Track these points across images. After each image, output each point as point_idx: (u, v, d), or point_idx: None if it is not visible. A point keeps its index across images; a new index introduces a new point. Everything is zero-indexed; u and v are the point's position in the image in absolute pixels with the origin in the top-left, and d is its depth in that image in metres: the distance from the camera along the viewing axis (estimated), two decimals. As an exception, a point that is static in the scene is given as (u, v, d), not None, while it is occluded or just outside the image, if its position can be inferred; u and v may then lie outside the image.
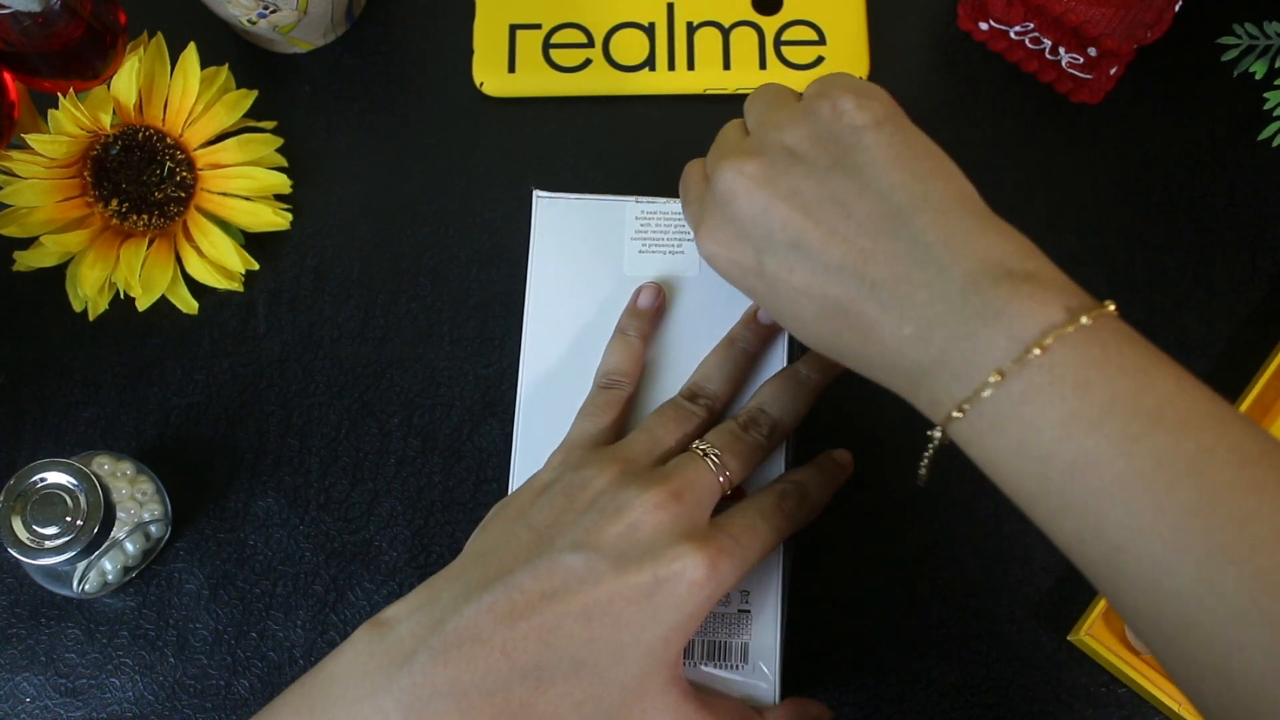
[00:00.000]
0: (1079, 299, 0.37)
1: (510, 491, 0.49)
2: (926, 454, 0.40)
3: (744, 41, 0.60)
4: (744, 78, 0.60)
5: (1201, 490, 0.34)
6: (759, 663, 0.47)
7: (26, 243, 0.56)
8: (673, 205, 0.51)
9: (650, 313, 0.50)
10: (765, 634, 0.47)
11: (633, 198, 0.52)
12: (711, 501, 0.45)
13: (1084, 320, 0.36)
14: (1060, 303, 0.37)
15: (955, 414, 0.38)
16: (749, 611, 0.47)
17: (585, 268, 0.51)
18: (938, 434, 0.39)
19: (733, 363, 0.49)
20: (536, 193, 0.52)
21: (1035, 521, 0.38)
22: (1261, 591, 0.33)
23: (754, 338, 0.49)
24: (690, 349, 0.50)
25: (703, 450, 0.45)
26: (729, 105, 0.60)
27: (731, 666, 0.47)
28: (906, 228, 0.39)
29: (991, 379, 0.36)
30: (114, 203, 0.56)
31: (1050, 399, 0.36)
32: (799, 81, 0.59)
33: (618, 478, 0.44)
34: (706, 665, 0.47)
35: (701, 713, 0.43)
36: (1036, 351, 0.36)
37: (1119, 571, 0.35)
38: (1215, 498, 0.34)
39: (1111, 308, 0.37)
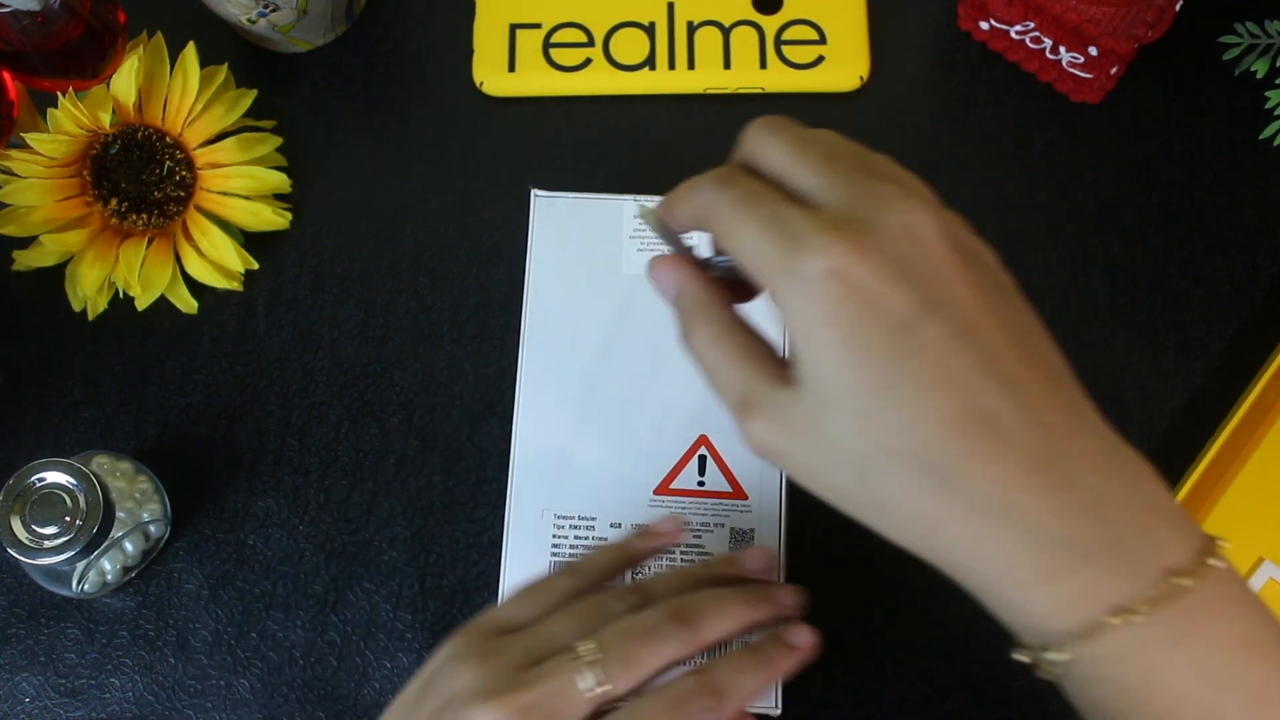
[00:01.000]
0: (1204, 541, 0.34)
1: (509, 491, 0.49)
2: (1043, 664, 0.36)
3: (744, 41, 0.60)
4: (744, 77, 0.60)
5: None
6: None
7: (26, 242, 0.56)
8: None
9: (666, 544, 0.46)
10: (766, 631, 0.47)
11: (631, 196, 0.52)
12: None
13: (1211, 561, 0.34)
14: (1188, 550, 0.34)
15: (1113, 619, 0.33)
16: None
17: (584, 266, 0.51)
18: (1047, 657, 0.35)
19: (690, 576, 0.43)
20: (535, 191, 0.52)
21: None
22: None
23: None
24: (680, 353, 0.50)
25: (584, 654, 0.39)
26: (729, 105, 0.60)
27: None
28: (1059, 452, 0.34)
29: (1184, 583, 0.33)
30: (113, 202, 0.56)
31: (1168, 657, 0.33)
32: (800, 81, 0.60)
33: (476, 684, 0.39)
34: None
35: None
36: (1219, 564, 0.33)
37: None
38: None
39: (1223, 547, 0.35)
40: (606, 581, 0.44)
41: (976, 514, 0.33)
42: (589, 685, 0.38)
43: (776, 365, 0.35)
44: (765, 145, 0.36)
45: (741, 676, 0.40)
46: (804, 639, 0.42)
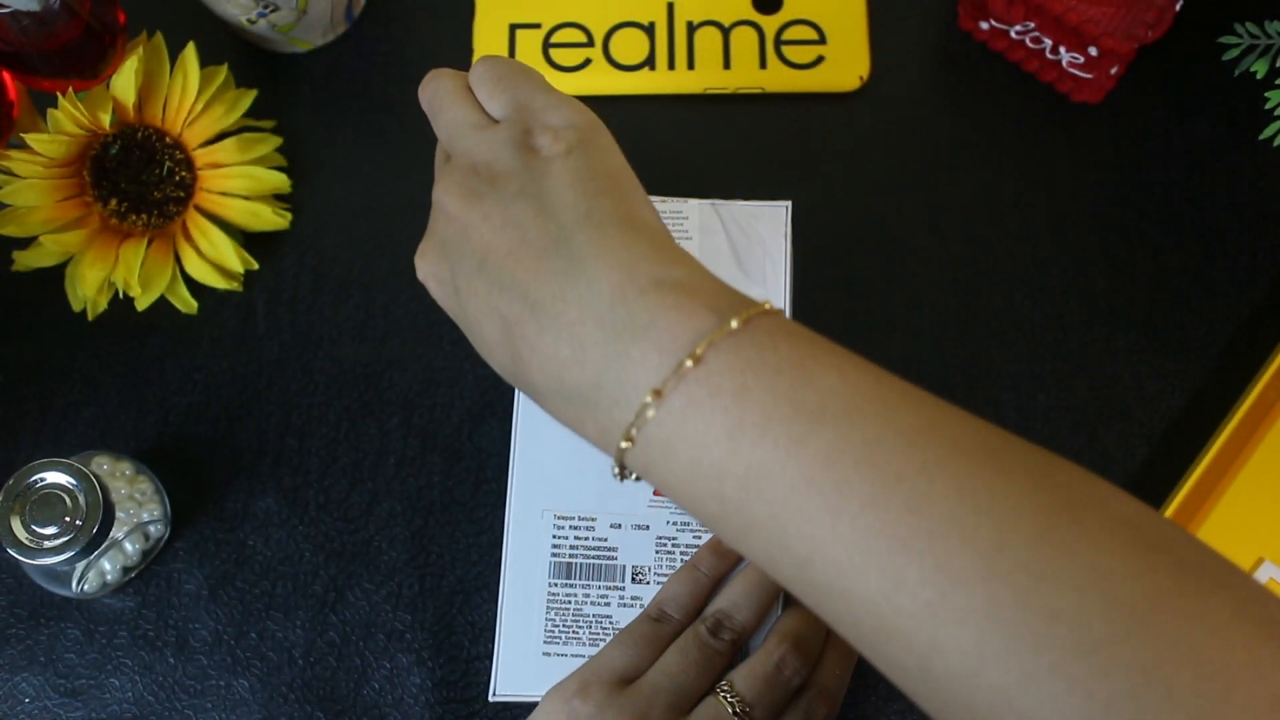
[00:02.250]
0: (729, 301, 0.36)
1: (509, 491, 0.49)
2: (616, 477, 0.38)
3: (744, 41, 0.60)
4: (744, 77, 0.60)
5: (873, 483, 0.32)
6: None
7: (26, 242, 0.56)
8: (668, 204, 0.51)
9: (733, 557, 0.48)
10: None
11: None
12: None
13: (734, 323, 0.34)
14: (708, 307, 0.35)
15: (624, 443, 0.36)
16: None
17: None
18: (615, 470, 0.37)
19: (762, 589, 0.47)
20: None
21: (728, 543, 0.36)
22: (946, 582, 0.31)
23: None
24: None
25: (728, 699, 0.44)
26: (729, 105, 0.60)
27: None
28: (567, 245, 0.37)
29: (649, 399, 0.34)
30: (113, 202, 0.56)
31: (712, 412, 0.34)
32: (800, 81, 0.60)
33: None
34: None
35: None
36: (689, 363, 0.34)
37: (813, 584, 0.33)
38: (888, 489, 0.32)
39: (767, 306, 0.36)
40: (693, 615, 0.47)
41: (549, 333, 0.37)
42: None
43: None
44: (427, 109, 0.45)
45: (841, 675, 0.46)
46: None
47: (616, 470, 0.37)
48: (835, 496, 0.32)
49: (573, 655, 0.48)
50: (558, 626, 0.48)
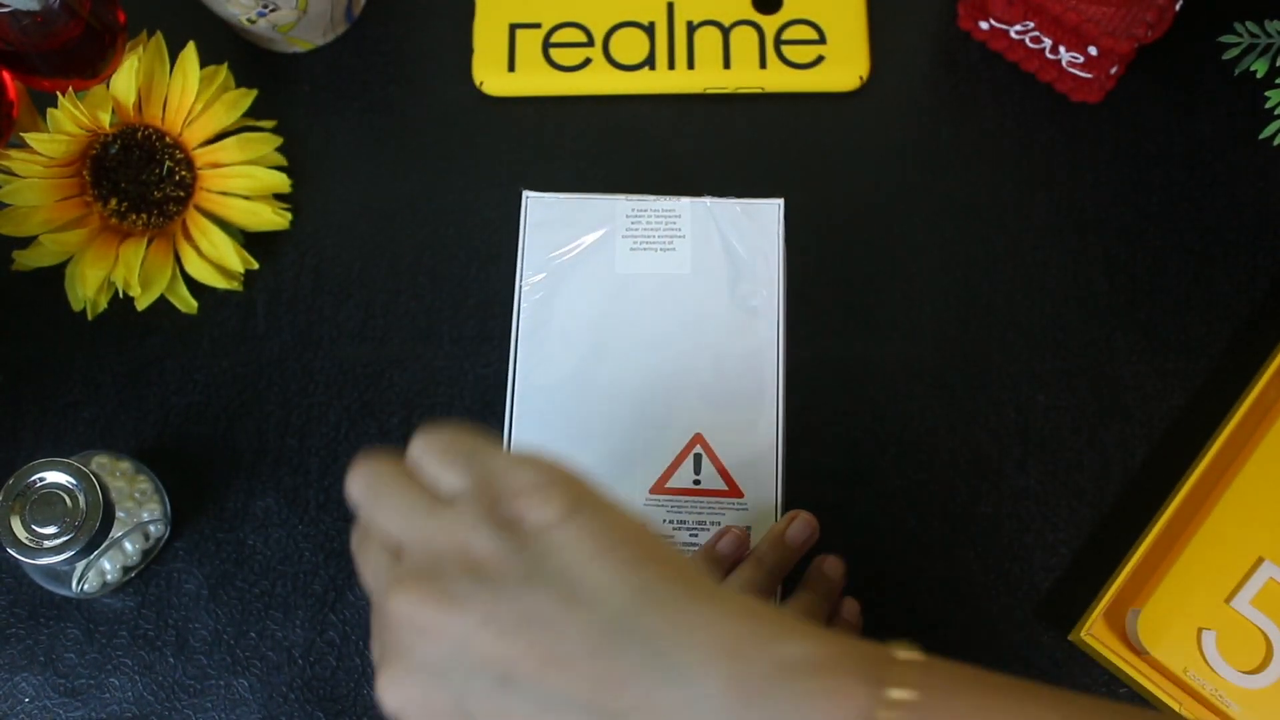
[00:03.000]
0: (873, 665, 0.31)
1: None
2: None
3: (744, 41, 0.60)
4: (744, 77, 0.60)
5: None
6: None
7: (26, 242, 0.56)
8: (663, 202, 0.51)
9: (794, 549, 0.50)
10: None
11: (623, 195, 0.52)
12: None
13: (895, 693, 0.31)
14: (857, 678, 0.31)
15: None
16: None
17: (576, 266, 0.51)
18: None
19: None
20: (526, 192, 0.52)
21: None
22: None
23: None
24: (679, 346, 0.50)
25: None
26: (729, 105, 0.60)
27: None
28: (630, 637, 0.31)
29: None
30: (113, 202, 0.56)
31: None
32: (800, 81, 0.60)
33: None
34: None
35: None
36: None
37: None
38: None
39: (903, 655, 0.32)
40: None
41: None
42: None
43: None
44: (360, 503, 0.36)
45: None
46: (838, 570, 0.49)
47: None
48: None
49: None
50: None
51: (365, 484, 0.36)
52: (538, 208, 0.51)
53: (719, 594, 0.32)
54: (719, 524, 0.48)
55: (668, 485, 0.49)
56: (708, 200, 0.51)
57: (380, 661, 0.34)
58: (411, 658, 0.33)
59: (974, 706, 0.31)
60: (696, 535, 0.48)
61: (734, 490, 0.48)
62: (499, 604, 0.32)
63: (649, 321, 0.50)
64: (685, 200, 0.51)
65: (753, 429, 0.49)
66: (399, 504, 0.35)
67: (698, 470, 0.49)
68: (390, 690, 0.33)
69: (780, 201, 0.51)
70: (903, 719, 0.30)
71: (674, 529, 0.49)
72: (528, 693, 0.31)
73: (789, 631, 0.32)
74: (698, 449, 0.49)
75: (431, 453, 0.36)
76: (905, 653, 0.32)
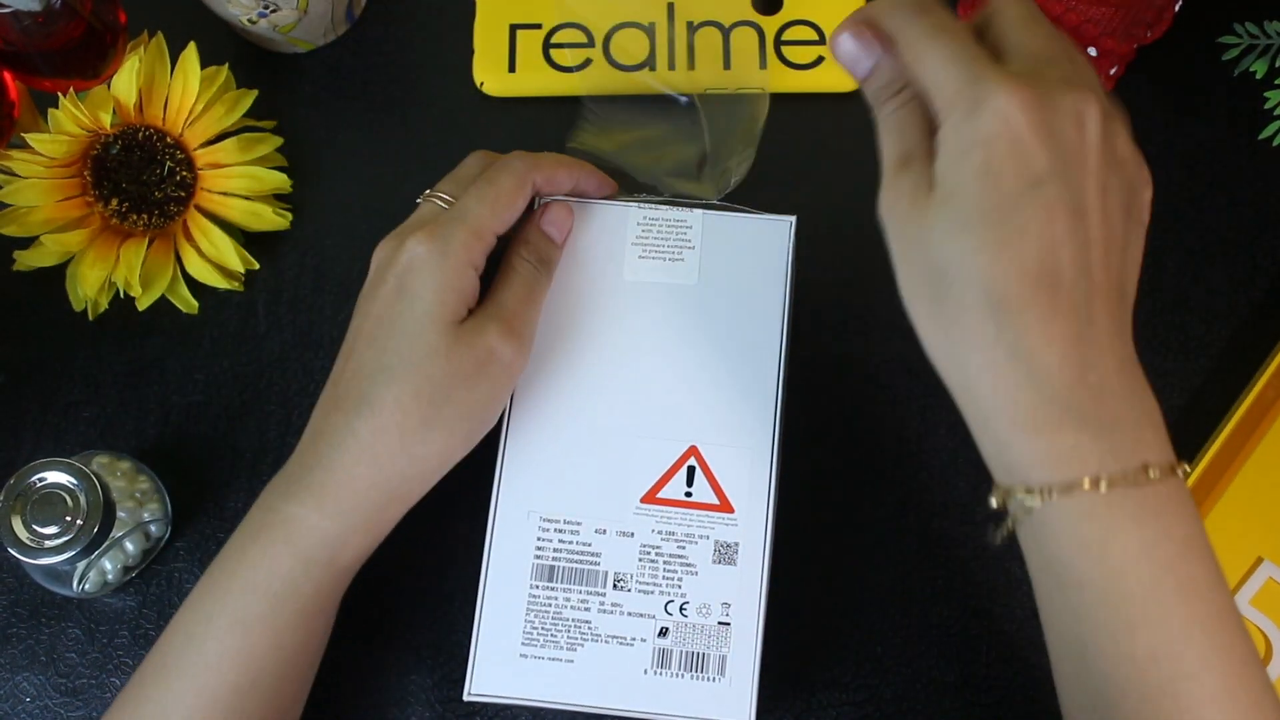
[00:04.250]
0: (1160, 445, 0.39)
1: (495, 491, 0.49)
2: (1006, 523, 0.41)
3: (744, 41, 0.60)
4: (744, 78, 0.60)
5: (1216, 647, 0.38)
6: (737, 674, 0.47)
7: (26, 242, 0.56)
8: (675, 212, 0.51)
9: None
10: (744, 646, 0.47)
11: (635, 203, 0.52)
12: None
13: (1181, 471, 0.39)
14: (1159, 440, 0.39)
15: (1024, 495, 0.39)
16: (729, 624, 0.48)
17: (584, 271, 0.51)
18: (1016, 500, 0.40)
19: None
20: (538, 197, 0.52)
21: (1044, 610, 0.42)
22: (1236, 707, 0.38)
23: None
24: (680, 357, 0.50)
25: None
26: (728, 105, 0.60)
27: (709, 679, 0.47)
28: (1127, 296, 0.40)
29: (1086, 484, 0.38)
30: (114, 202, 0.56)
31: (1127, 527, 0.38)
32: (800, 82, 0.60)
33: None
34: (685, 676, 0.47)
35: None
36: (1142, 478, 0.38)
37: (1142, 681, 0.38)
38: (1230, 642, 0.38)
39: (1181, 468, 0.39)
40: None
41: (1006, 352, 0.37)
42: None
43: (930, 148, 0.40)
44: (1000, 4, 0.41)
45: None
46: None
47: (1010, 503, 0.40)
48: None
49: (550, 659, 0.48)
50: (536, 629, 0.48)
51: (1061, 43, 0.40)
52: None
53: (1130, 354, 0.40)
54: (708, 538, 0.49)
55: (659, 495, 0.49)
56: (719, 213, 0.51)
57: (1017, 80, 0.37)
58: (1056, 110, 0.38)
59: (1194, 517, 0.39)
60: (684, 548, 0.48)
61: (725, 505, 0.49)
62: (1117, 182, 0.39)
63: (652, 330, 0.50)
64: (697, 212, 0.51)
65: (748, 444, 0.49)
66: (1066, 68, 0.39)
67: (690, 482, 0.49)
68: (1019, 106, 0.37)
69: (792, 219, 0.51)
70: (1172, 487, 0.38)
71: (661, 539, 0.49)
72: (1080, 237, 0.38)
73: (1152, 402, 0.40)
74: (692, 461, 0.49)
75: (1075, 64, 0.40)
76: (1188, 471, 0.40)
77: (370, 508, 0.46)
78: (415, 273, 0.46)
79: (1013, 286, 0.37)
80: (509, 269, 0.48)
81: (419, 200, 0.50)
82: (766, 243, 0.51)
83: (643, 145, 0.58)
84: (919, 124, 0.40)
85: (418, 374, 0.45)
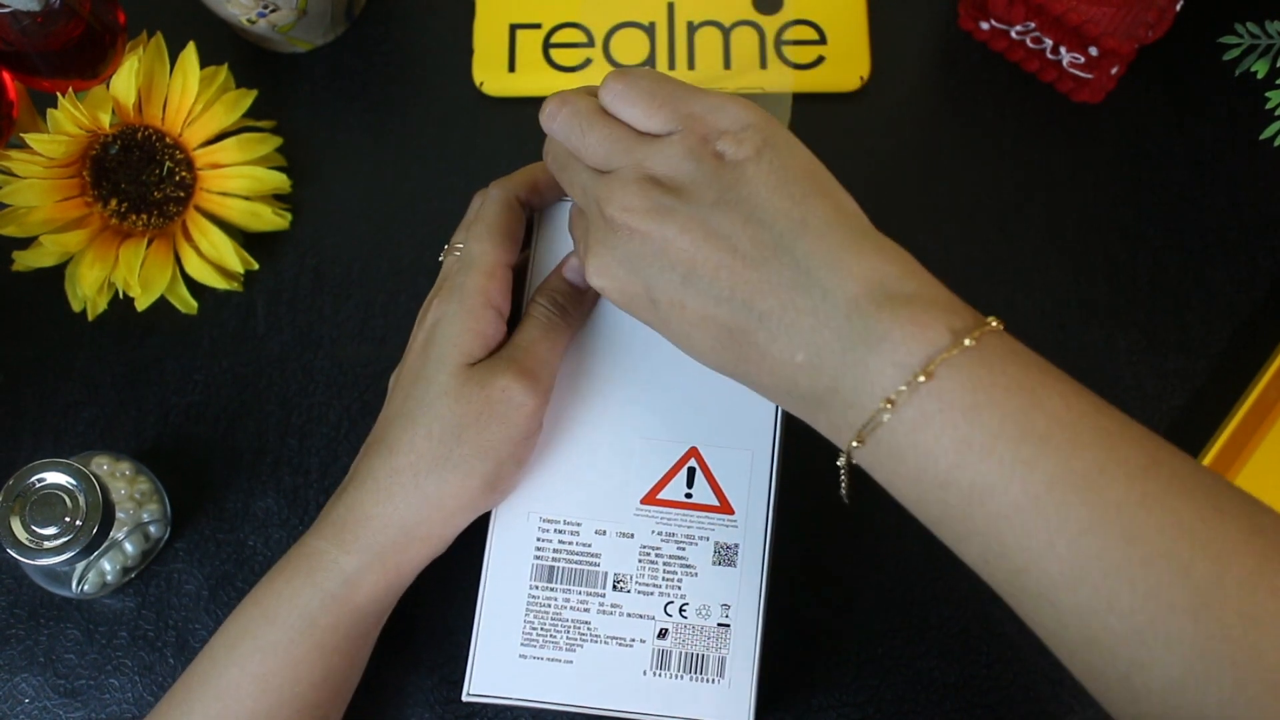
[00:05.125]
0: (963, 318, 0.38)
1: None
2: (841, 479, 0.41)
3: (744, 41, 0.60)
4: (744, 78, 0.60)
5: (1093, 509, 0.35)
6: (736, 676, 0.47)
7: (26, 242, 0.56)
8: None
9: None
10: (743, 648, 0.47)
11: None
12: None
13: (967, 341, 0.37)
14: (944, 324, 0.37)
15: (855, 443, 0.38)
16: (728, 625, 0.48)
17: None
18: (842, 461, 0.40)
19: None
20: None
21: (944, 542, 0.39)
22: (1157, 610, 0.34)
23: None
24: (681, 358, 0.50)
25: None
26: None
27: (708, 680, 0.47)
28: (789, 254, 0.39)
29: (884, 407, 0.37)
30: (113, 202, 0.56)
31: (942, 426, 0.36)
32: (800, 81, 0.60)
33: None
34: (684, 677, 0.47)
35: None
36: (923, 378, 0.36)
37: (1023, 591, 0.37)
38: (1107, 517, 0.35)
39: (995, 324, 0.38)
40: None
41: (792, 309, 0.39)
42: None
43: None
44: (556, 128, 0.45)
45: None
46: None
47: (843, 462, 0.40)
48: (1056, 518, 0.35)
49: (549, 659, 0.48)
50: (536, 630, 0.48)
51: (571, 119, 0.44)
52: (548, 212, 0.51)
53: (860, 228, 0.40)
54: (707, 539, 0.48)
55: (659, 496, 0.49)
56: None
57: (588, 251, 0.43)
58: (618, 251, 0.41)
59: (1021, 379, 0.37)
60: (684, 549, 0.48)
61: (725, 506, 0.49)
62: (694, 218, 0.40)
63: (654, 330, 0.50)
64: None
65: (749, 446, 0.49)
66: (610, 135, 0.43)
67: (690, 484, 0.49)
68: (599, 273, 0.42)
69: None
70: (960, 360, 0.36)
71: (661, 540, 0.48)
72: (702, 288, 0.40)
73: (906, 269, 0.39)
74: (692, 462, 0.49)
75: (633, 96, 0.43)
76: (995, 321, 0.38)
77: (387, 545, 0.46)
78: (439, 325, 0.47)
79: (730, 359, 0.41)
80: (527, 314, 0.49)
81: (441, 258, 0.51)
82: None
83: None
84: None
85: (429, 414, 0.46)
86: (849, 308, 0.38)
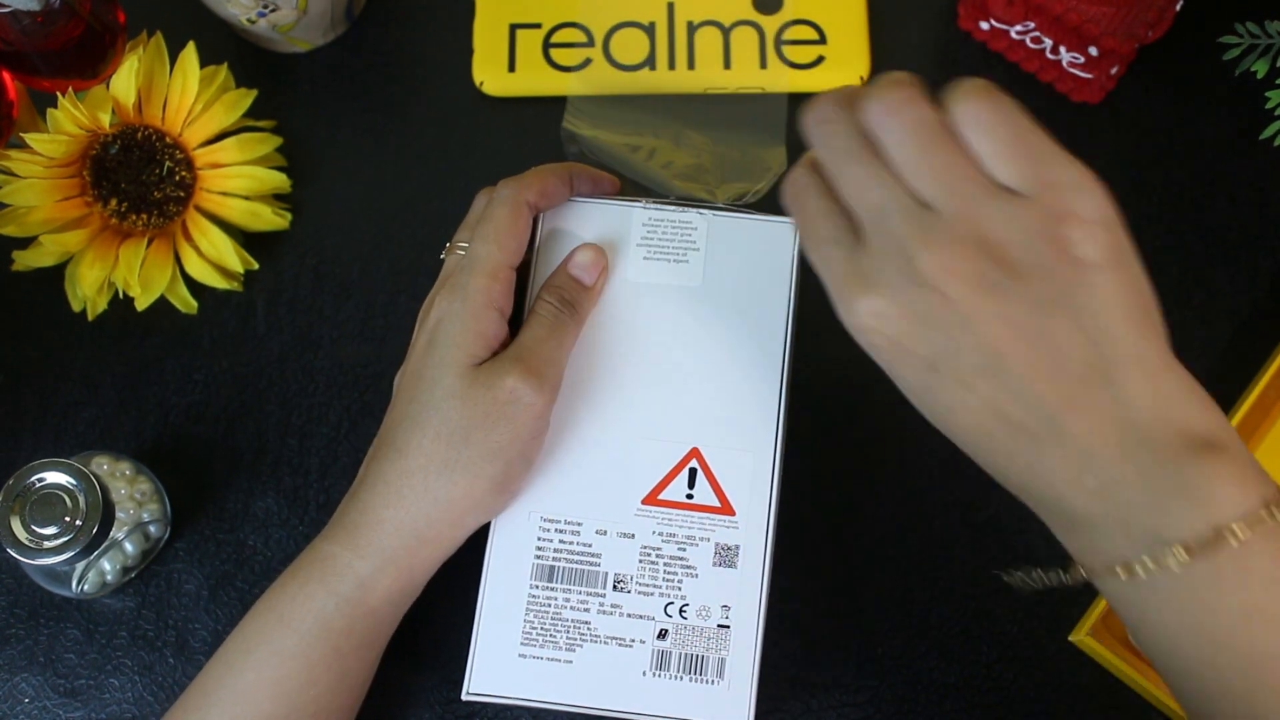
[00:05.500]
0: (1269, 486, 0.37)
1: None
2: (1048, 582, 0.41)
3: (744, 41, 0.60)
4: (744, 77, 0.60)
5: None
6: (736, 677, 0.47)
7: (26, 242, 0.56)
8: (680, 214, 0.51)
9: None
10: (743, 649, 0.47)
11: (641, 202, 0.51)
12: None
13: (1278, 514, 0.36)
14: (1257, 490, 0.36)
15: (1119, 572, 0.37)
16: (728, 627, 0.48)
17: None
18: (1077, 577, 0.39)
19: None
20: None
21: (1180, 690, 0.39)
22: None
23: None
24: (683, 358, 0.50)
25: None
26: (731, 105, 0.60)
27: (708, 681, 0.47)
28: (1115, 385, 0.37)
29: (1178, 555, 0.36)
30: (113, 202, 0.56)
31: (1236, 588, 0.36)
32: (800, 81, 0.59)
33: None
34: (684, 678, 0.47)
35: None
36: (1233, 541, 0.35)
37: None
38: None
39: None
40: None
41: (1070, 471, 0.37)
42: None
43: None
44: (885, 129, 0.40)
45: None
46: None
47: (1069, 577, 0.39)
48: None
49: (549, 659, 0.48)
50: (536, 629, 0.48)
51: (916, 126, 0.38)
52: (554, 211, 0.51)
53: (1182, 374, 0.38)
54: (709, 540, 0.48)
55: (661, 497, 0.49)
56: (725, 216, 0.51)
57: (858, 282, 0.38)
58: (912, 305, 0.37)
59: None
60: (685, 550, 0.48)
61: (726, 508, 0.49)
62: (1022, 308, 0.37)
63: (656, 331, 0.50)
64: (704, 213, 0.51)
65: (751, 447, 0.49)
66: (957, 168, 0.38)
67: (691, 484, 0.49)
68: (872, 315, 0.38)
69: None
70: (1274, 530, 0.35)
71: (662, 540, 0.48)
72: (1006, 381, 0.37)
73: (1217, 421, 0.37)
74: (694, 463, 0.49)
75: (997, 131, 0.38)
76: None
77: (398, 548, 0.47)
78: (441, 325, 0.47)
79: (993, 447, 0.38)
80: (532, 312, 0.49)
81: (443, 256, 0.51)
82: (772, 245, 0.51)
83: (647, 149, 0.58)
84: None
85: (437, 417, 0.46)
86: (1164, 451, 0.36)
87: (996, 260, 0.37)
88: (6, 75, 0.55)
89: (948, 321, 0.37)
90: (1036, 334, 0.37)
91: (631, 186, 0.55)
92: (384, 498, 0.47)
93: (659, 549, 0.48)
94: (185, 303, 0.57)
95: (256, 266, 0.58)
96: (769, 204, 0.52)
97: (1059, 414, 0.37)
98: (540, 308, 0.49)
